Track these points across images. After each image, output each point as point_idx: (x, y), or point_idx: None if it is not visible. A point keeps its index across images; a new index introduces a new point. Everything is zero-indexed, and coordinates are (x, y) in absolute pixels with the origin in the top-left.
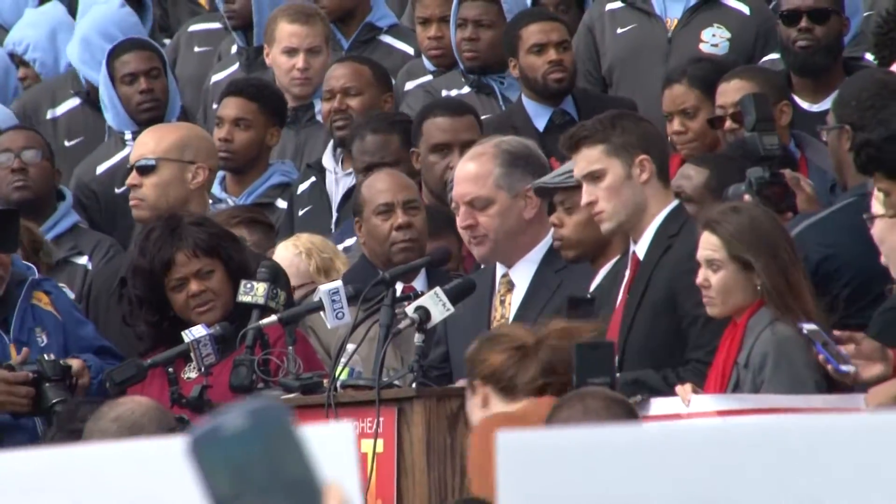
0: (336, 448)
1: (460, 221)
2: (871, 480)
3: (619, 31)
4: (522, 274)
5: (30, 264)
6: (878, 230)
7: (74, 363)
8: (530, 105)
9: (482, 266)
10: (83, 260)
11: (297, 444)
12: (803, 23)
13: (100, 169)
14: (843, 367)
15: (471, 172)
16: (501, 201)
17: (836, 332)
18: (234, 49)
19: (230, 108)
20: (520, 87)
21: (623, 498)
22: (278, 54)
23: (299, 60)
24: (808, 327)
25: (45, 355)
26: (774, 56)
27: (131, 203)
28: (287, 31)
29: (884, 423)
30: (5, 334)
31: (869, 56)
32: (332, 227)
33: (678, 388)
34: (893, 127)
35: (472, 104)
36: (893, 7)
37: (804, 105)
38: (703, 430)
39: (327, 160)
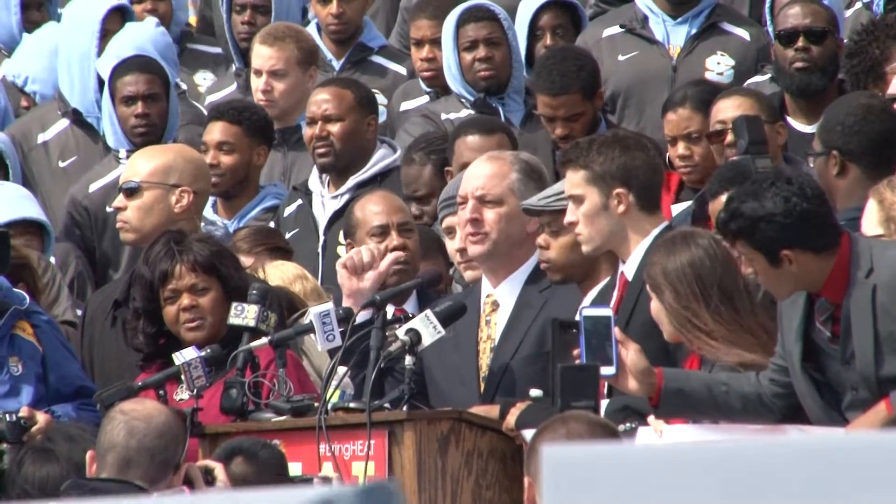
0: None
1: (467, 214)
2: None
3: (622, 57)
4: (507, 293)
5: (24, 293)
6: None
7: (40, 419)
8: None
9: (469, 279)
10: None
11: None
12: (800, 43)
13: (93, 187)
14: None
15: (487, 170)
16: (511, 206)
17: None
18: (232, 69)
19: (213, 132)
20: None
21: None
22: (251, 75)
23: (261, 82)
24: (588, 312)
25: (7, 414)
26: (760, 78)
27: (118, 225)
28: (255, 53)
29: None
30: None
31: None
32: (319, 250)
33: (650, 419)
34: (768, 206)
35: None
36: (869, 21)
37: (798, 127)
38: (745, 449)
39: (314, 183)
